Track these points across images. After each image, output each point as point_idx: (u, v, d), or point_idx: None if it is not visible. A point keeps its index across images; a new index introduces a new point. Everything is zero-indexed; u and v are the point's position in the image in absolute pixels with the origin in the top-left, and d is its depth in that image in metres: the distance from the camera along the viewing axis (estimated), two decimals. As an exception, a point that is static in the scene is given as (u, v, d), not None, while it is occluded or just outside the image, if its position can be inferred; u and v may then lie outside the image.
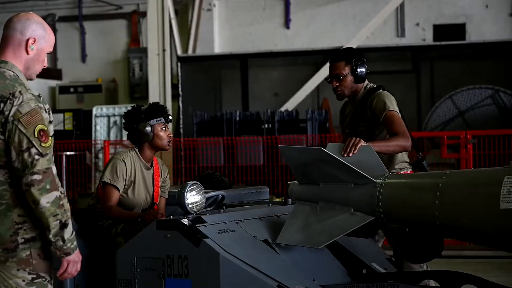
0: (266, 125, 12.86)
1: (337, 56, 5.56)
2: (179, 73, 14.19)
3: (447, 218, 4.26)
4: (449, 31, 14.55)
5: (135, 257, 4.51)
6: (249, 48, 15.02)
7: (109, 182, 5.07)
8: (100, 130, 14.53)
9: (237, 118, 13.06)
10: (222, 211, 4.89)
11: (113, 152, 12.56)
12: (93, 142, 13.67)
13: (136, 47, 16.01)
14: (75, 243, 3.54)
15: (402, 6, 14.41)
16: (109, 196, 5.07)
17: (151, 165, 5.30)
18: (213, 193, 5.08)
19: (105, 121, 14.57)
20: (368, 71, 5.56)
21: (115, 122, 14.49)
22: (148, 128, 5.16)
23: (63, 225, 3.47)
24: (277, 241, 4.56)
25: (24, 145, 3.44)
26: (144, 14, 15.14)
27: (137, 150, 5.24)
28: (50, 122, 3.58)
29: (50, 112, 3.60)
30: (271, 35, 15.32)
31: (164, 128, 5.23)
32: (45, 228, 3.48)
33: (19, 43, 3.58)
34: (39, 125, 3.47)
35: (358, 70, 5.47)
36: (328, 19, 15.08)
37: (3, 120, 3.47)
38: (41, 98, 3.56)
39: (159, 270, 4.43)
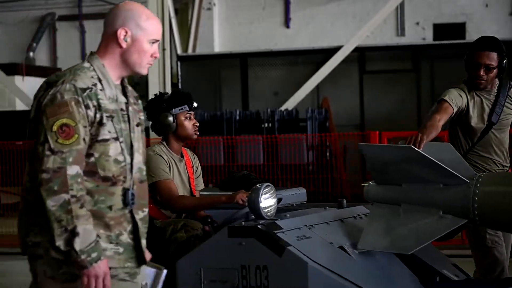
0: (266, 124, 12.86)
1: (491, 45, 5.39)
2: (179, 72, 14.20)
3: None
4: (449, 30, 14.55)
5: (201, 267, 4.09)
6: (249, 47, 15.01)
7: (163, 178, 4.67)
8: (100, 129, 14.52)
9: (237, 117, 13.05)
10: (288, 215, 4.36)
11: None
12: (93, 141, 13.64)
13: (136, 46, 15.99)
14: (93, 254, 3.02)
15: (402, 5, 14.40)
16: (171, 189, 4.66)
17: (182, 156, 4.91)
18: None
19: (105, 120, 14.57)
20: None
21: (115, 121, 14.48)
22: (170, 118, 4.78)
23: (71, 234, 3.01)
24: (359, 247, 4.19)
25: (42, 138, 3.07)
26: (144, 13, 15.12)
27: (164, 143, 4.84)
28: (99, 123, 3.12)
29: (104, 111, 3.14)
30: (271, 34, 15.32)
31: (188, 117, 4.85)
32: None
33: (109, 37, 3.25)
34: (63, 120, 3.06)
35: (504, 64, 5.35)
36: (328, 18, 15.08)
37: (38, 107, 3.15)
38: (89, 91, 3.13)
39: (233, 282, 4.03)
